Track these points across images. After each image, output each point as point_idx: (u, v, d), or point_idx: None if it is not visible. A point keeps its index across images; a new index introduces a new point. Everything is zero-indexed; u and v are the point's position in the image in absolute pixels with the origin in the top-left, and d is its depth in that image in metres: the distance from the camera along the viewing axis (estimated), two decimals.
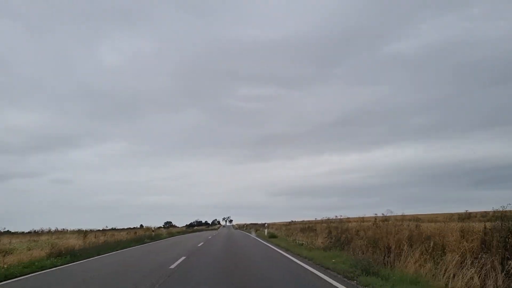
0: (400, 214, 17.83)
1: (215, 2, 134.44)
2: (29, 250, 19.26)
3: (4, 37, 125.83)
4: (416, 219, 37.75)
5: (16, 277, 11.86)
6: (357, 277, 9.14)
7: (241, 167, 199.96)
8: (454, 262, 8.55)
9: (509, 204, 9.20)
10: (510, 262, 7.81)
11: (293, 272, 10.59)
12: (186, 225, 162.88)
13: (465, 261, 8.44)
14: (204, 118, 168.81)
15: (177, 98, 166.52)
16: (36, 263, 14.26)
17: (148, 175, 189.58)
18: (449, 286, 7.86)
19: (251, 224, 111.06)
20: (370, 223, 17.18)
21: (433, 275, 8.65)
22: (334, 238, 17.39)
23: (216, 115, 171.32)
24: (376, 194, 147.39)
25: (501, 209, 9.37)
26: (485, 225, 9.57)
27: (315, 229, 26.06)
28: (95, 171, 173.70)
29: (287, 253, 16.40)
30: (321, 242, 18.16)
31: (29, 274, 12.49)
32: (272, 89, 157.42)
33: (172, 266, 12.53)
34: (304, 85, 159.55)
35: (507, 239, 8.23)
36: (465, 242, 9.10)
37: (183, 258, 15.38)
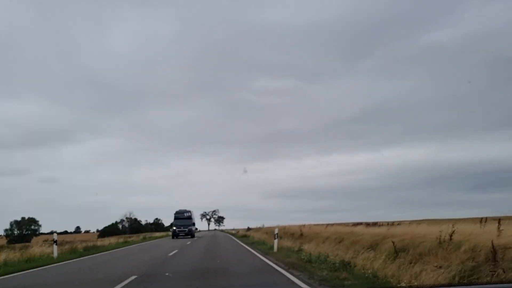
0: None
1: None
2: None
3: (8, 12, 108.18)
4: None
5: None
6: None
7: (243, 167, 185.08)
8: None
9: None
10: None
11: None
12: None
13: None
14: (211, 113, 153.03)
15: (187, 90, 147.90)
16: None
17: (142, 174, 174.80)
18: None
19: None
20: None
21: None
22: None
23: (225, 110, 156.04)
24: (374, 197, 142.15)
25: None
26: None
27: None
28: (86, 169, 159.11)
29: None
30: None
31: None
32: (291, 82, 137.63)
33: None
34: (325, 78, 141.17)
35: None
36: None
37: None
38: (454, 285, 5.14)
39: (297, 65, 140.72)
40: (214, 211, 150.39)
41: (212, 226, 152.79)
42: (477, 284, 4.41)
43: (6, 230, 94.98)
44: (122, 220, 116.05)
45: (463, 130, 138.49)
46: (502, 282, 4.95)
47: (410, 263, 9.29)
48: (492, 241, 7.74)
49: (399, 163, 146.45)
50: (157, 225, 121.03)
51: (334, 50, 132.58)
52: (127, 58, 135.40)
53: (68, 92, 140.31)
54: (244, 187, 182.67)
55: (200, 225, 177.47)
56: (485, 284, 3.96)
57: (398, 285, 7.81)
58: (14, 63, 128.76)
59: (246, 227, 65.57)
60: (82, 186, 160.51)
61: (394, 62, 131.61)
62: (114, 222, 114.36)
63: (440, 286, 4.44)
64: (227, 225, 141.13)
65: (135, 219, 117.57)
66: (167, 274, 10.96)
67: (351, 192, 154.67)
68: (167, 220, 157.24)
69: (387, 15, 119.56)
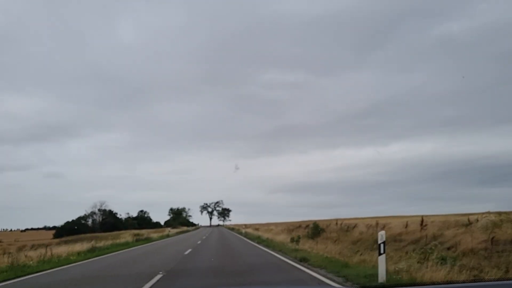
0: None
1: None
2: None
3: (15, 6, 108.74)
4: None
5: None
6: None
7: (249, 162, 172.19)
8: None
9: None
10: None
11: None
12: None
13: None
14: (219, 106, 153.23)
15: (195, 83, 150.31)
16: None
17: (147, 169, 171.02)
18: None
19: None
20: None
21: None
22: None
23: (233, 104, 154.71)
24: (382, 192, 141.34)
25: None
26: None
27: None
28: (91, 165, 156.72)
29: None
30: None
31: None
32: (300, 75, 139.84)
33: None
34: (335, 71, 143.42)
35: None
36: None
37: None
38: (456, 282, 5.04)
39: (308, 57, 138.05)
40: (217, 202, 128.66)
41: (215, 221, 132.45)
42: (480, 281, 4.05)
43: None
44: (92, 213, 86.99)
45: (474, 124, 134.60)
46: (507, 279, 4.37)
47: None
48: None
49: (407, 157, 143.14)
50: (142, 220, 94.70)
51: (345, 43, 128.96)
52: (134, 51, 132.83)
53: (73, 86, 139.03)
54: (250, 181, 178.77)
55: (201, 219, 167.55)
56: (488, 281, 3.72)
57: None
58: (20, 57, 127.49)
59: (312, 225, 27.66)
60: (86, 181, 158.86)
61: (406, 55, 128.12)
62: (82, 215, 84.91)
63: (442, 283, 4.27)
64: (233, 219, 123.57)
65: (110, 211, 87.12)
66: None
67: (357, 186, 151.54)
68: (160, 217, 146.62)
69: (400, 7, 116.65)
